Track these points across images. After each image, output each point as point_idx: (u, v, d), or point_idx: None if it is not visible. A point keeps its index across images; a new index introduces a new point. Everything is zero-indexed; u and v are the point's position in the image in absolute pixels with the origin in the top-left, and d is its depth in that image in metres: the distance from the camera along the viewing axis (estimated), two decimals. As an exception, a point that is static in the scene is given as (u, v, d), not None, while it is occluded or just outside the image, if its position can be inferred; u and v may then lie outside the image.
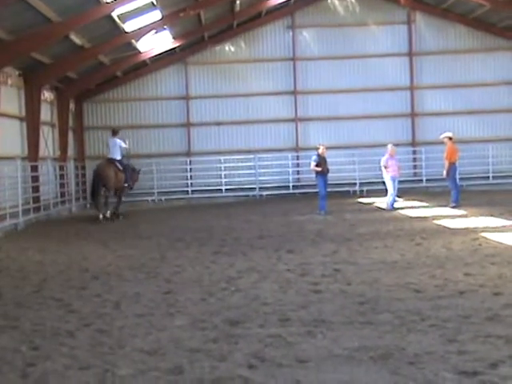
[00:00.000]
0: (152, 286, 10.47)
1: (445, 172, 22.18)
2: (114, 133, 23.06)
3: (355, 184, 31.39)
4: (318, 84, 32.49)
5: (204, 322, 7.95)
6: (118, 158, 22.71)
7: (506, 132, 32.64)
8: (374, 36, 32.68)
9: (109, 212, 22.52)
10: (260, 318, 8.07)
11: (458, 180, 22.91)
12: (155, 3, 23.27)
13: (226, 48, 32.65)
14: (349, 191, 31.05)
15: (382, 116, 32.32)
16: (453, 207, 21.67)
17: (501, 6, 28.97)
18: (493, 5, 29.02)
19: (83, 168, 31.58)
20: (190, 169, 32.27)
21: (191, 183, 32.28)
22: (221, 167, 31.98)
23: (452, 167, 22.13)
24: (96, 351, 6.95)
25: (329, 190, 22.66)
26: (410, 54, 32.56)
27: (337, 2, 32.66)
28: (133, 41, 26.54)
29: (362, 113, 32.24)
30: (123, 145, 22.98)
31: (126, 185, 23.26)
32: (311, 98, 32.58)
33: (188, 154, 32.47)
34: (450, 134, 22.91)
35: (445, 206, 22.26)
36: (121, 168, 22.70)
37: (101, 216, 21.79)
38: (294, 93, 32.49)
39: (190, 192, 32.12)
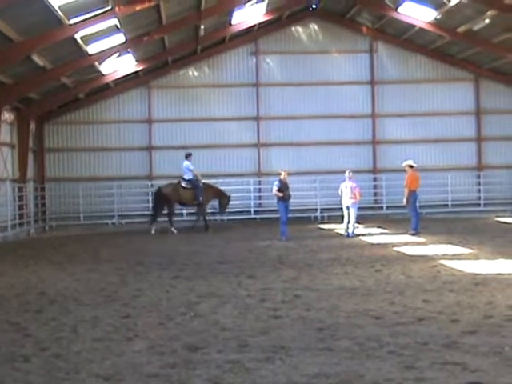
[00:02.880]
0: (110, 310, 10.36)
1: (405, 199, 22.39)
2: (187, 156, 26.05)
3: (316, 210, 31.52)
4: (280, 110, 32.68)
5: (162, 347, 7.89)
6: (187, 178, 25.86)
7: (464, 161, 33.11)
8: (336, 64, 33.02)
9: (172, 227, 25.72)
10: (219, 343, 8.03)
11: (418, 208, 23.12)
12: (119, 26, 23.24)
13: (190, 72, 32.71)
14: (310, 217, 31.16)
15: (343, 143, 32.58)
16: (412, 234, 21.87)
17: (460, 37, 29.51)
18: (452, 36, 29.55)
19: (43, 190, 31.24)
20: (152, 192, 32.08)
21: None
22: (182, 191, 31.82)
23: (412, 195, 22.33)
24: (51, 376, 6.84)
25: (290, 215, 22.72)
26: (372, 83, 32.95)
27: (300, 30, 32.97)
28: (96, 63, 26.43)
29: (324, 139, 32.46)
30: (190, 167, 25.86)
31: (196, 202, 26.12)
32: (274, 124, 32.74)
33: (150, 177, 32.31)
34: (411, 162, 23.16)
35: (404, 233, 22.44)
36: (188, 186, 25.85)
37: (153, 230, 25.50)
38: (256, 118, 32.63)
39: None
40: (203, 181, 26.79)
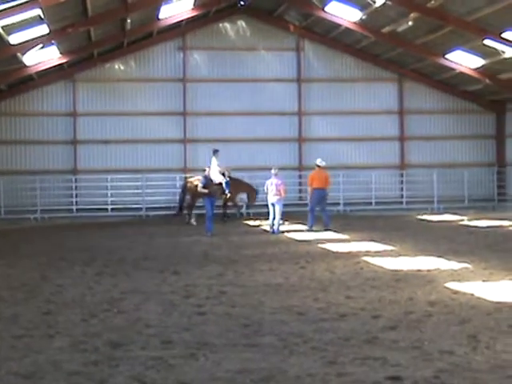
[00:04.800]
0: (31, 307, 10.15)
1: (309, 197, 22.89)
2: (214, 152, 26.70)
3: (242, 206, 31.57)
4: (207, 106, 32.61)
5: (84, 344, 7.77)
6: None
7: (388, 159, 33.72)
8: (263, 61, 33.16)
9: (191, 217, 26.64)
10: (142, 340, 7.96)
11: (325, 206, 23.21)
12: (43, 17, 22.76)
13: (116, 66, 32.32)
14: (235, 213, 31.18)
15: (270, 140, 32.74)
16: (311, 229, 22.35)
17: (384, 38, 30.03)
18: (377, 37, 30.06)
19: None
20: (76, 187, 31.61)
21: (76, 202, 31.59)
22: (107, 186, 31.47)
23: (314, 193, 22.71)
24: (-32, 375, 6.65)
25: (216, 211, 22.71)
26: (299, 81, 33.22)
27: (228, 26, 32.98)
28: (18, 54, 25.83)
29: (251, 136, 32.56)
30: (215, 162, 26.36)
31: (224, 195, 26.65)
32: (200, 120, 32.66)
33: (74, 171, 31.80)
34: (318, 162, 23.54)
35: (328, 230, 22.66)
36: (214, 181, 25.54)
37: (193, 221, 26.37)
38: (183, 114, 32.48)
39: (74, 211, 31.42)
40: (232, 175, 27.47)
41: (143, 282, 12.55)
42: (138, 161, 32.11)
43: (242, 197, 29.07)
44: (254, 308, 9.85)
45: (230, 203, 27.86)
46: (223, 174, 26.81)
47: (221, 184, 26.59)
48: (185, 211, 27.20)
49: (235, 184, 27.56)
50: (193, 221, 26.47)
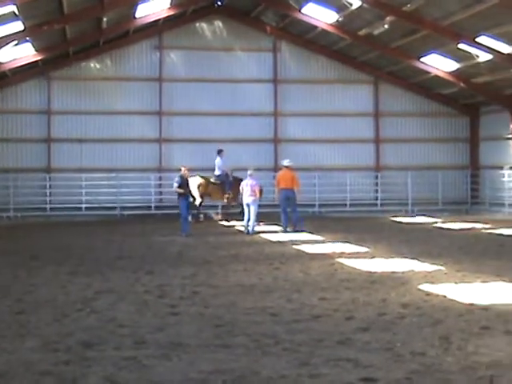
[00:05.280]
0: (2, 306, 10.07)
1: (276, 197, 23.09)
2: (218, 152, 27.56)
3: (217, 206, 31.52)
4: (183, 106, 32.52)
5: (57, 344, 7.72)
6: (217, 173, 27.18)
7: (363, 161, 33.85)
8: (240, 61, 33.15)
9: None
10: (115, 340, 7.93)
11: (295, 206, 23.24)
12: (17, 13, 22.56)
13: (92, 65, 32.11)
14: (210, 214, 31.12)
15: (245, 140, 32.72)
16: (284, 230, 22.53)
17: (360, 40, 30.16)
18: (353, 39, 30.18)
19: None
20: (50, 185, 31.37)
21: (50, 200, 31.35)
22: (81, 185, 31.26)
23: (281, 193, 22.77)
24: None
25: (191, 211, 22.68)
26: (275, 81, 33.24)
27: (205, 26, 32.91)
28: (-7, 51, 25.60)
29: (227, 136, 32.49)
30: (220, 163, 27.28)
31: (227, 195, 27.47)
32: (176, 120, 32.57)
33: (48, 170, 31.55)
34: (285, 162, 23.65)
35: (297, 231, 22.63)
36: (216, 182, 27.40)
37: (200, 216, 27.28)
38: (159, 113, 32.37)
39: (48, 209, 31.18)
40: (235, 175, 27.64)
41: (117, 281, 12.50)
42: (112, 160, 31.94)
43: None
44: (228, 308, 9.86)
45: (233, 203, 27.89)
46: (226, 174, 27.15)
47: (223, 184, 27.24)
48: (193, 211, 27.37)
49: (239, 184, 27.44)
50: (201, 216, 27.30)
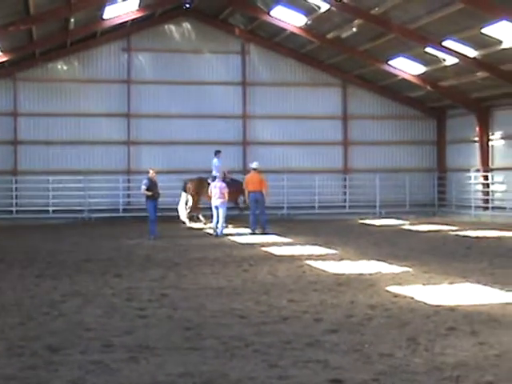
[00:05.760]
0: (-32, 310, 9.93)
1: (246, 200, 23.09)
2: (216, 153, 27.26)
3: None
4: (152, 108, 32.38)
5: (22, 348, 7.63)
6: (215, 174, 26.08)
7: (331, 164, 33.97)
8: (209, 64, 33.10)
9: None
10: (82, 343, 7.86)
11: (263, 207, 23.35)
12: (-16, 15, 22.33)
13: (59, 66, 31.83)
14: (179, 216, 30.99)
15: (214, 143, 32.57)
16: (252, 232, 22.67)
17: (328, 43, 30.29)
18: (321, 42, 30.31)
19: None
20: (16, 188, 31.02)
21: (16, 203, 31.00)
22: (48, 188, 30.97)
23: (250, 195, 22.98)
24: None
25: (159, 214, 22.61)
26: (244, 84, 33.25)
27: (173, 28, 32.82)
28: (-42, 52, 25.27)
29: (196, 139, 32.43)
30: (217, 164, 26.73)
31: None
32: (145, 122, 32.42)
33: (14, 172, 31.20)
34: (253, 165, 23.74)
35: (265, 233, 22.66)
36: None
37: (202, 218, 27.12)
38: (127, 115, 32.19)
39: (14, 212, 30.83)
40: (233, 177, 27.60)
41: (84, 284, 12.40)
42: (80, 162, 31.69)
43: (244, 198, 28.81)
44: (196, 311, 9.83)
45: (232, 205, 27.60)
46: (224, 176, 26.46)
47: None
48: (192, 213, 27.46)
49: (236, 185, 27.12)
50: (201, 217, 27.20)
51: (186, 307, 10.14)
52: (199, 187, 27.04)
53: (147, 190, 21.53)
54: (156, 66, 32.66)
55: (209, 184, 26.22)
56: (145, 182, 21.73)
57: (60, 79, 31.72)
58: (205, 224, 26.29)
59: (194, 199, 27.19)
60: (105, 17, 28.57)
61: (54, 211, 30.82)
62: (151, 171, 22.00)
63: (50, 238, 22.52)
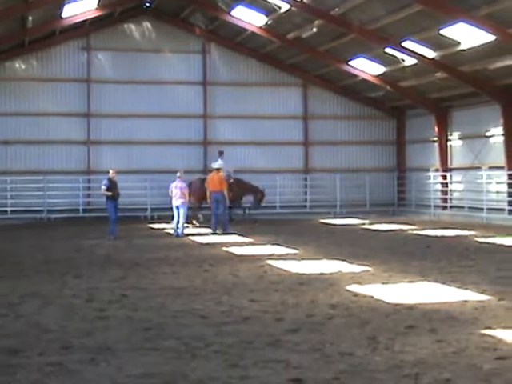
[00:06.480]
0: None
1: (208, 200, 23.11)
2: (220, 154, 27.14)
3: (146, 209, 31.31)
4: (112, 107, 32.16)
5: (-21, 351, 7.52)
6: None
7: (292, 164, 34.10)
8: (169, 63, 32.98)
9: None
10: (41, 345, 7.77)
11: (221, 208, 23.36)
12: None
13: (17, 65, 31.44)
14: (140, 216, 30.88)
15: (175, 142, 32.56)
16: (213, 232, 22.65)
17: (289, 43, 30.40)
18: (282, 42, 30.40)
19: None
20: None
21: (-26, 204, 30.56)
22: (7, 188, 30.57)
23: (212, 196, 22.99)
24: None
25: (120, 214, 22.47)
26: (204, 84, 33.20)
27: (133, 27, 32.63)
28: None
29: (156, 138, 32.30)
30: (220, 163, 25.82)
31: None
32: (105, 121, 32.18)
33: (-31, 172, 30.75)
34: (216, 165, 23.78)
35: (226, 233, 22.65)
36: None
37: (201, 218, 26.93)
38: (87, 115, 31.93)
39: (-29, 213, 30.38)
40: (238, 177, 27.78)
41: (43, 285, 12.26)
42: (39, 162, 31.34)
43: (249, 198, 28.89)
44: (157, 311, 9.78)
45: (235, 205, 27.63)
46: (228, 176, 26.59)
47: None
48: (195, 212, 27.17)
49: (240, 185, 27.51)
50: (200, 216, 27.14)
51: (147, 308, 10.09)
52: (201, 188, 26.31)
53: (107, 190, 21.37)
54: (116, 66, 32.45)
55: None
56: (105, 182, 21.57)
57: (18, 78, 31.35)
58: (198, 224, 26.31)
59: (195, 199, 26.69)
60: (64, 15, 28.31)
61: (12, 211, 30.45)
62: (111, 171, 21.85)
63: (9, 238, 22.23)
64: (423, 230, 24.29)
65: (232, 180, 27.05)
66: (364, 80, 31.45)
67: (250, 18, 29.21)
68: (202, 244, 19.98)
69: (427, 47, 25.85)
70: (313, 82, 34.10)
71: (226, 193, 23.08)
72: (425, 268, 14.14)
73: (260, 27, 29.48)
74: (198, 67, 33.25)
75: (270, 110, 33.71)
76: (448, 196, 31.72)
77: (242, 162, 32.73)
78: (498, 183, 28.64)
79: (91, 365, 6.97)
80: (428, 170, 32.71)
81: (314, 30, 27.63)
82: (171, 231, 23.10)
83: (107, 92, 32.24)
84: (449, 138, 31.49)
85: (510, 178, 27.52)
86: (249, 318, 9.26)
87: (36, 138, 31.33)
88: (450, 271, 13.66)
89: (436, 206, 31.85)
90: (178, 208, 22.24)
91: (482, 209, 28.62)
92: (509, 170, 27.17)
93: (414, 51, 26.30)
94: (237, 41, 32.80)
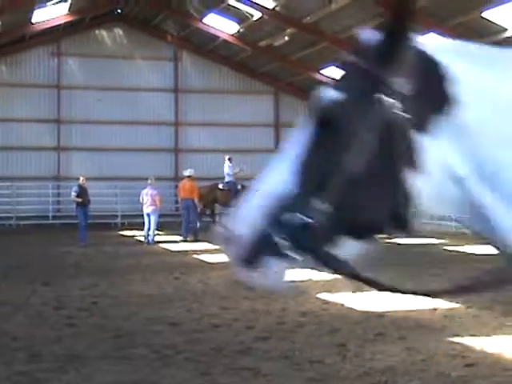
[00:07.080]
0: None
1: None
2: (229, 159, 26.92)
3: (117, 216, 31.13)
4: (82, 114, 31.97)
5: None
6: (226, 180, 26.40)
7: (262, 171, 34.06)
8: (141, 70, 32.90)
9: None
10: (8, 354, 7.69)
11: (192, 215, 23.45)
12: None
13: (-14, 70, 31.19)
14: (110, 223, 30.68)
15: (146, 149, 32.46)
16: (183, 239, 22.67)
17: (261, 51, 30.48)
18: (254, 50, 30.48)
19: None
20: None
21: None
22: (-25, 194, 30.26)
23: (183, 202, 23.16)
24: None
25: (90, 221, 22.32)
26: (176, 91, 33.16)
27: (104, 34, 32.50)
28: None
29: (127, 145, 32.17)
30: (229, 170, 26.45)
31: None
32: (75, 128, 31.98)
33: None
34: (187, 172, 23.82)
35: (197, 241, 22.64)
36: (224, 188, 26.21)
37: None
38: (57, 121, 31.71)
39: None
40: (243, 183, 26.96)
41: (12, 293, 12.12)
42: (8, 168, 31.04)
43: None
44: (127, 319, 9.73)
45: None
46: (235, 182, 26.52)
47: (230, 190, 26.46)
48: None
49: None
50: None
51: (117, 315, 10.03)
52: (210, 194, 26.46)
53: (77, 196, 21.24)
54: (87, 72, 32.28)
55: (221, 190, 26.35)
56: (75, 188, 21.45)
57: (-13, 83, 31.06)
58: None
59: (204, 206, 26.50)
60: (34, 20, 28.10)
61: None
62: (82, 178, 21.73)
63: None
64: (394, 238, 24.39)
65: (239, 187, 27.08)
66: (335, 89, 31.57)
67: (222, 26, 29.26)
68: (173, 251, 19.92)
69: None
70: (284, 90, 34.21)
71: (196, 200, 23.11)
72: (395, 276, 14.21)
73: (232, 35, 29.54)
74: (170, 74, 33.21)
75: (242, 118, 33.74)
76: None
77: (212, 170, 32.64)
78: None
79: (60, 373, 6.92)
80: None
81: (286, 38, 27.74)
82: (142, 238, 22.99)
83: (78, 98, 32.05)
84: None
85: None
86: (219, 326, 9.25)
87: (5, 144, 31.04)
88: (420, 279, 13.74)
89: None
90: (148, 215, 22.16)
91: (451, 218, 28.76)
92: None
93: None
94: (209, 48, 32.82)
